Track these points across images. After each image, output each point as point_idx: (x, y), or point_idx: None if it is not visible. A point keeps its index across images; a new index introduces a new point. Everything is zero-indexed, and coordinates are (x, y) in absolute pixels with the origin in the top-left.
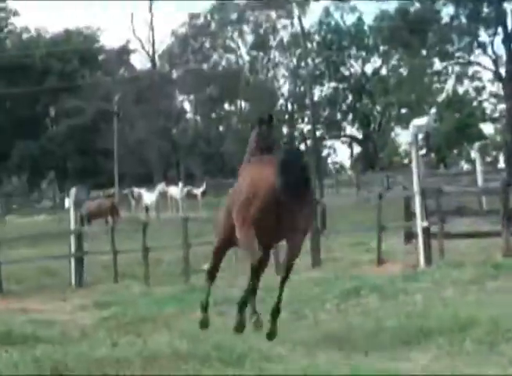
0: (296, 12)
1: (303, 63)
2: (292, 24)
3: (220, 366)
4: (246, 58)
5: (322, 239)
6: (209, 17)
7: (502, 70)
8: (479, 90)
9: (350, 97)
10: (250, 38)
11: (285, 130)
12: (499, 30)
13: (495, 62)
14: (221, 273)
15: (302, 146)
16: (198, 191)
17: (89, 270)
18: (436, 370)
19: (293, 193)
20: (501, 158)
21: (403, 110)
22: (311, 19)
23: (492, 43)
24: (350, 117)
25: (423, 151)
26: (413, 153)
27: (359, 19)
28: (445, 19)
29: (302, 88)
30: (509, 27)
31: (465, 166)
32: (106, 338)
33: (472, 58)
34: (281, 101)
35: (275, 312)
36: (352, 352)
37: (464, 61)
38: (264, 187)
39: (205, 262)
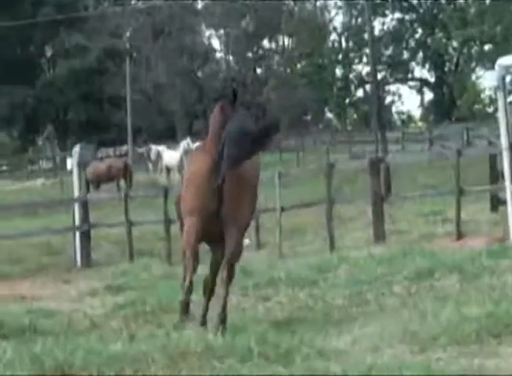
0: None
1: None
2: None
3: (264, 364)
4: None
5: (385, 207)
6: None
7: None
8: None
9: (419, 31)
10: None
11: (339, 72)
12: None
13: None
14: (263, 250)
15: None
16: None
17: (98, 247)
18: None
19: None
20: None
21: (486, 47)
22: None
23: None
24: (419, 55)
25: None
26: (500, 99)
27: None
28: None
29: (359, 21)
30: None
31: None
32: (121, 330)
33: None
34: (333, 36)
35: (221, 322)
36: (427, 347)
37: None
38: (198, 177)
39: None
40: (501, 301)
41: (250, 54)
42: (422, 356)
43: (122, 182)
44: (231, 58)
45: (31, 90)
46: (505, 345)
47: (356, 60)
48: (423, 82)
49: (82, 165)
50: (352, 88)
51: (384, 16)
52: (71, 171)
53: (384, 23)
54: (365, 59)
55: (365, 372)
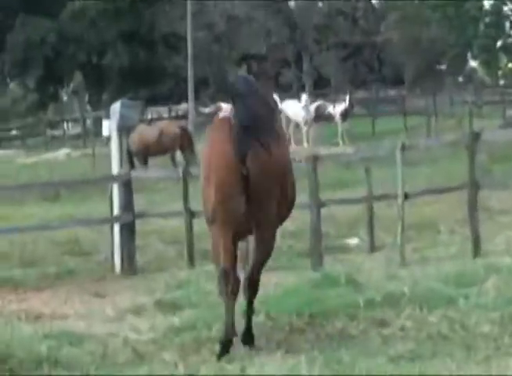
0: None
1: None
2: None
3: None
4: None
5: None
6: None
7: None
8: None
9: None
10: None
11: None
12: None
13: None
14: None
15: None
16: (336, 109)
17: (145, 245)
18: None
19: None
20: None
21: None
22: None
23: None
24: None
25: None
26: None
27: None
28: None
29: None
30: None
31: None
32: (175, 364)
33: None
34: None
35: (246, 335)
36: None
37: None
38: (219, 166)
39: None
40: None
41: None
42: None
43: (179, 155)
44: None
45: (54, 23)
46: None
47: None
48: None
49: (124, 130)
50: (507, 25)
51: None
52: (108, 139)
53: None
54: None
55: None
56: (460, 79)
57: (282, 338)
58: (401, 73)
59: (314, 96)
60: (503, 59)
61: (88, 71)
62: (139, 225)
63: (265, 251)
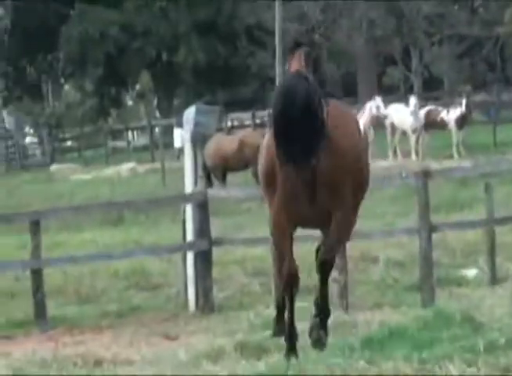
0: None
1: None
2: None
3: None
4: None
5: None
6: None
7: None
8: None
9: None
10: None
11: None
12: None
13: None
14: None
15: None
16: (451, 115)
17: (226, 277)
18: None
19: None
20: None
21: None
22: None
23: None
24: None
25: None
26: None
27: None
28: None
29: None
30: None
31: None
32: None
33: None
34: None
35: (321, 313)
36: None
37: None
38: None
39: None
40: None
41: None
42: None
43: None
44: None
45: (116, 14)
46: None
47: None
48: None
49: (199, 141)
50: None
51: None
52: (180, 151)
53: None
54: None
55: None
56: None
57: None
58: None
59: (424, 100)
60: None
61: (156, 71)
62: (217, 253)
63: (341, 230)
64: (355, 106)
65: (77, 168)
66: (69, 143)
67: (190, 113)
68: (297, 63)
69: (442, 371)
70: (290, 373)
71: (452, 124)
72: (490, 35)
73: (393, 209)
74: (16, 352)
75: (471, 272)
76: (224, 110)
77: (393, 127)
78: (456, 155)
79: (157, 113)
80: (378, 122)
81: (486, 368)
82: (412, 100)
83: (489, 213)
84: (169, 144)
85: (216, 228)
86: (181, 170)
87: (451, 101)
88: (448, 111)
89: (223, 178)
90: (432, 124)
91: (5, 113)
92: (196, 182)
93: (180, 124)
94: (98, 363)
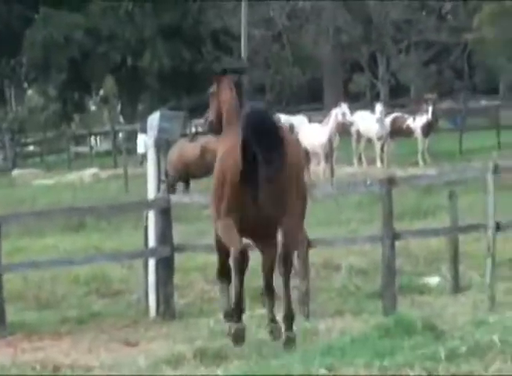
0: None
1: None
2: None
3: None
4: None
5: None
6: None
7: None
8: None
9: None
10: None
11: None
12: None
13: None
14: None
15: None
16: (417, 122)
17: (186, 285)
18: None
19: (263, 163)
20: None
21: None
22: None
23: None
24: None
25: None
26: None
27: None
28: None
29: None
30: None
31: None
32: None
33: None
34: None
35: (288, 318)
36: None
37: None
38: (231, 167)
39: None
40: None
41: None
42: None
43: None
44: None
45: (81, 17)
46: None
47: None
48: None
49: (163, 147)
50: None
51: None
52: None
53: None
54: None
55: None
56: None
57: None
58: (495, 79)
59: (390, 107)
60: None
61: (121, 75)
62: (179, 260)
63: (289, 236)
64: (321, 112)
65: (40, 173)
66: (31, 148)
67: (154, 118)
68: (227, 89)
69: None
70: None
71: (418, 132)
72: (458, 42)
73: (358, 216)
74: None
75: (434, 280)
76: (188, 115)
77: (358, 134)
78: (421, 162)
79: (121, 119)
80: (344, 129)
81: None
82: (378, 107)
83: (453, 221)
84: (132, 150)
85: (178, 234)
86: (144, 176)
87: (417, 108)
88: (414, 119)
89: (186, 185)
90: (398, 132)
91: None
92: (158, 189)
93: (144, 130)
94: (56, 369)
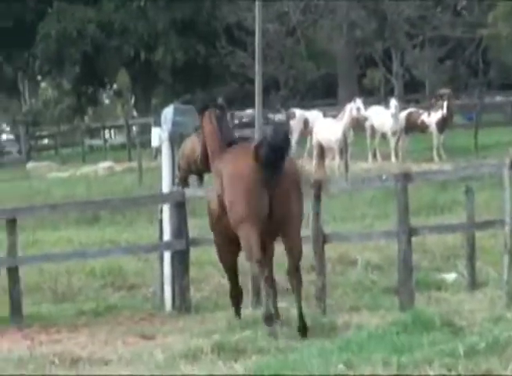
0: None
1: None
2: None
3: None
4: None
5: None
6: None
7: None
8: None
9: None
10: None
11: None
12: None
13: None
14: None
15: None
16: (432, 118)
17: (202, 278)
18: None
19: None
20: None
21: None
22: None
23: None
24: None
25: None
26: None
27: None
28: None
29: None
30: None
31: None
32: None
33: None
34: None
35: (302, 328)
36: None
37: None
38: (244, 181)
39: (448, 265)
40: None
41: None
42: None
43: None
44: None
45: (94, 11)
46: None
47: None
48: None
49: (177, 141)
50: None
51: None
52: (157, 151)
53: None
54: None
55: None
56: None
57: None
58: (510, 75)
59: (405, 102)
60: None
61: (134, 69)
62: (194, 253)
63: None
64: (335, 107)
65: (54, 166)
66: (45, 141)
67: (168, 112)
68: (208, 121)
69: None
70: (265, 374)
71: (432, 127)
72: (473, 37)
73: (372, 211)
74: None
75: (450, 277)
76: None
77: (373, 129)
78: (436, 158)
79: (135, 112)
80: (358, 124)
81: (466, 373)
82: (393, 102)
83: (470, 217)
84: (146, 143)
85: (193, 228)
86: (158, 169)
87: (432, 104)
88: (429, 114)
89: (200, 179)
90: (413, 127)
91: None
92: (173, 182)
93: (158, 124)
94: (74, 362)
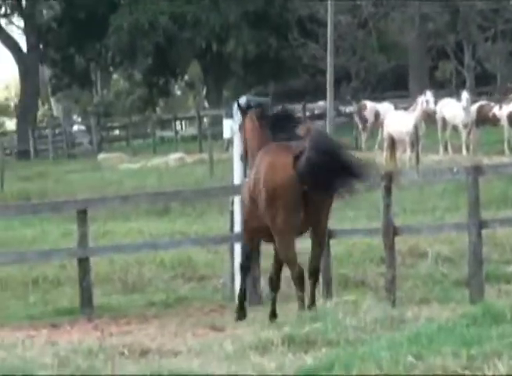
0: None
1: None
2: None
3: None
4: None
5: None
6: None
7: None
8: None
9: None
10: None
11: None
12: None
13: None
14: None
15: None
16: (503, 110)
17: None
18: None
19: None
20: None
21: None
22: None
23: None
24: None
25: None
26: None
27: None
28: None
29: None
30: None
31: None
32: None
33: None
34: None
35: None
36: None
37: None
38: (284, 183)
39: None
40: None
41: None
42: None
43: None
44: None
45: (166, 3)
46: None
47: None
48: None
49: None
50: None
51: None
52: (229, 142)
53: None
54: None
55: None
56: None
57: None
58: None
59: (476, 95)
60: None
61: (206, 61)
62: (264, 245)
63: (321, 246)
64: (407, 99)
65: (125, 157)
66: (117, 132)
67: (241, 103)
68: (250, 122)
69: (491, 369)
70: (336, 367)
71: (504, 120)
72: None
73: (443, 204)
74: (62, 340)
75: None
76: (274, 101)
77: (444, 121)
78: (507, 151)
79: (206, 104)
80: (430, 117)
81: None
82: (465, 95)
83: None
84: (217, 135)
85: None
86: (229, 161)
87: (504, 97)
88: (500, 107)
89: None
90: (484, 120)
91: (53, 100)
92: (245, 174)
93: (229, 115)
94: (144, 353)
